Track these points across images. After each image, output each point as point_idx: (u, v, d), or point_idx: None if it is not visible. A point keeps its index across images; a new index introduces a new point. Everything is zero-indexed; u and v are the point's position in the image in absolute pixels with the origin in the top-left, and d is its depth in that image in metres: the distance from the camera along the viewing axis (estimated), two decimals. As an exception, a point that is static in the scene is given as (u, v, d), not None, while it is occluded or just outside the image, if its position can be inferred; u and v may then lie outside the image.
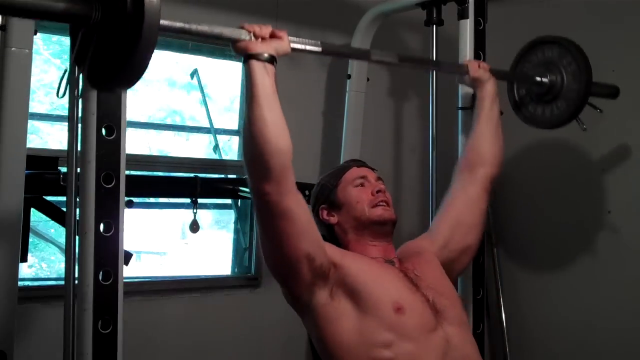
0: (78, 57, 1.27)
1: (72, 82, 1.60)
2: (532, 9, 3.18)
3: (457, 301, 1.71)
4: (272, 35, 1.47)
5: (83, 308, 1.52)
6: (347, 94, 2.85)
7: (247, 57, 1.44)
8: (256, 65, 1.43)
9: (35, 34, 1.88)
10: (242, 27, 1.46)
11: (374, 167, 1.86)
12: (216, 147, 2.94)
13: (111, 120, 1.56)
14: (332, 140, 2.97)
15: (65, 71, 1.40)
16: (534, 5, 3.16)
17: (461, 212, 1.85)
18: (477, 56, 2.29)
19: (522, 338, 3.12)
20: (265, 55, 1.43)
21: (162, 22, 1.23)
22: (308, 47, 1.61)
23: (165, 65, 2.92)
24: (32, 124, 2.43)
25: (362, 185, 1.76)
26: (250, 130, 1.43)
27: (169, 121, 2.97)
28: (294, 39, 1.55)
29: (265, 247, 1.57)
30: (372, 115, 2.97)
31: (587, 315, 2.92)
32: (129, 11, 1.15)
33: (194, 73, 2.90)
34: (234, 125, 3.04)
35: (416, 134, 3.30)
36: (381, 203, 1.72)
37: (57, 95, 1.40)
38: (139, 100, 2.80)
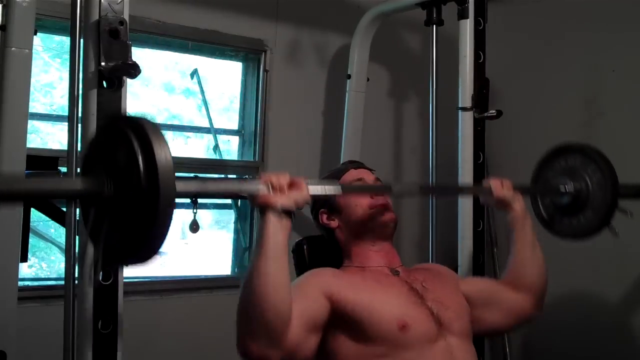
0: (93, 234, 1.18)
1: (72, 82, 1.61)
2: (532, 9, 3.18)
3: (464, 314, 1.67)
4: (291, 184, 1.41)
5: (83, 308, 1.52)
6: (347, 94, 2.85)
7: (263, 211, 1.38)
8: (272, 219, 1.37)
9: (35, 33, 1.88)
10: (260, 179, 1.40)
11: (372, 167, 1.85)
12: (216, 147, 2.94)
13: (111, 120, 1.56)
14: (332, 140, 2.97)
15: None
16: (534, 5, 3.17)
17: (506, 298, 1.76)
18: (477, 56, 2.29)
19: (522, 338, 3.12)
20: (283, 209, 1.38)
21: (178, 188, 1.14)
22: (327, 190, 1.54)
23: (164, 69, 2.92)
24: (32, 124, 2.43)
25: None
26: (251, 284, 1.37)
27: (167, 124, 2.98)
28: (313, 185, 1.46)
29: None
30: (372, 115, 2.97)
31: (587, 315, 2.92)
32: (144, 186, 1.07)
33: (194, 73, 2.90)
34: (234, 125, 3.04)
35: (416, 134, 3.30)
36: (380, 205, 1.72)
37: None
38: (138, 104, 2.80)
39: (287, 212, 1.38)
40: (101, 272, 1.52)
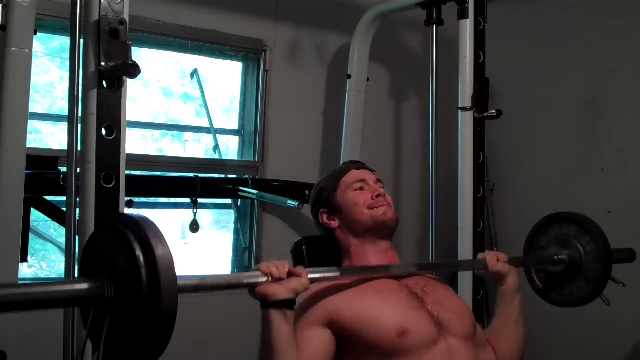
0: (92, 334, 1.16)
1: (72, 82, 1.61)
2: (532, 9, 3.18)
3: (466, 317, 1.67)
4: (290, 273, 1.39)
5: (83, 308, 1.52)
6: (347, 94, 2.85)
7: (264, 304, 1.37)
8: (274, 314, 1.36)
9: (35, 33, 1.88)
10: (258, 270, 1.38)
11: (373, 168, 1.85)
12: (216, 147, 2.94)
13: (111, 120, 1.56)
14: (332, 140, 2.97)
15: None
16: (533, 5, 3.17)
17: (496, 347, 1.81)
18: (477, 56, 2.29)
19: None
20: (286, 301, 1.37)
21: (179, 284, 1.13)
22: (327, 276, 1.53)
23: (164, 69, 2.92)
24: (32, 124, 2.43)
25: (361, 189, 1.74)
26: None
27: (165, 130, 2.98)
28: (313, 273, 1.45)
29: None
30: (372, 115, 2.97)
31: (587, 315, 2.91)
32: (145, 284, 1.05)
33: (194, 73, 2.90)
34: (234, 125, 3.04)
35: (416, 134, 3.30)
36: (381, 206, 1.71)
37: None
38: (137, 107, 2.80)
39: (289, 303, 1.37)
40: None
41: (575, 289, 2.04)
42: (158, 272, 1.06)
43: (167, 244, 1.09)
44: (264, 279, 1.36)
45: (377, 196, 1.71)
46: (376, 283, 1.63)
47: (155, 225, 1.10)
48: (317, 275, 1.47)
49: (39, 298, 1.11)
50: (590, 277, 2.00)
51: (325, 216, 1.76)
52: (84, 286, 1.11)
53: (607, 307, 2.69)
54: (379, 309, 1.55)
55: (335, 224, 1.74)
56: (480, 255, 1.85)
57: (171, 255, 1.09)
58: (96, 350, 1.14)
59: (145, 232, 1.08)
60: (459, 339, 1.59)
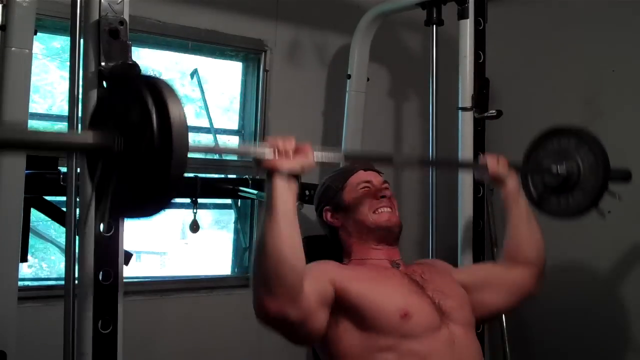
0: (99, 190, 1.17)
1: (72, 82, 1.61)
2: (531, 9, 3.18)
3: (465, 304, 1.69)
4: (297, 150, 1.45)
5: (83, 308, 1.52)
6: (347, 94, 2.85)
7: (270, 174, 1.41)
8: (279, 182, 1.40)
9: (36, 34, 1.88)
10: (266, 143, 1.43)
11: (375, 169, 1.85)
12: (216, 147, 2.94)
13: (111, 120, 1.56)
14: (332, 140, 2.97)
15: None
16: (533, 5, 3.17)
17: (504, 276, 1.80)
18: (477, 56, 2.29)
19: (522, 338, 3.12)
20: (290, 172, 1.41)
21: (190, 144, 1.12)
22: (332, 160, 1.58)
23: (163, 72, 2.92)
24: (32, 124, 2.43)
25: (367, 189, 1.75)
26: (265, 245, 1.39)
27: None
28: (318, 152, 1.50)
29: (285, 337, 1.54)
30: (372, 115, 2.97)
31: (587, 314, 2.92)
32: (156, 139, 1.04)
33: (194, 73, 2.89)
34: (234, 125, 3.04)
35: (416, 134, 3.30)
36: (385, 208, 1.72)
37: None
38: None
39: (293, 176, 1.41)
40: (101, 272, 1.52)
41: (571, 200, 2.07)
42: (171, 125, 1.04)
43: (180, 102, 1.08)
44: (271, 153, 1.41)
45: (382, 197, 1.72)
46: (376, 267, 1.66)
47: (169, 85, 1.09)
48: (322, 156, 1.52)
49: (54, 142, 1.14)
50: (587, 189, 2.03)
51: (329, 214, 1.77)
52: (95, 138, 1.12)
53: (607, 306, 2.70)
54: (381, 290, 1.59)
55: (338, 222, 1.76)
56: (481, 159, 1.89)
57: (184, 112, 1.07)
58: (101, 200, 1.15)
59: (159, 88, 1.07)
60: (460, 326, 1.61)
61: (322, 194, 1.81)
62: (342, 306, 1.55)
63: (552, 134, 2.10)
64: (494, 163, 1.84)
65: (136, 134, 1.08)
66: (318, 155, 1.48)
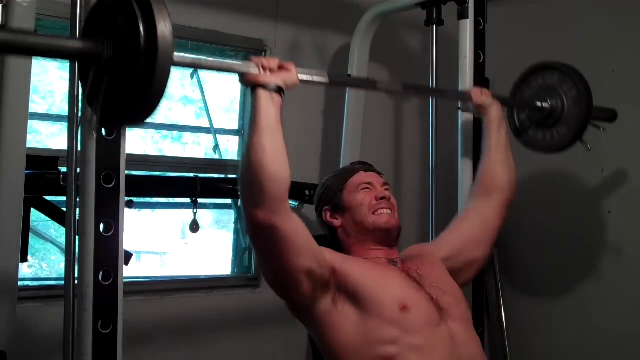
0: (90, 96, 1.25)
1: (72, 82, 1.61)
2: (532, 9, 3.18)
3: (461, 300, 1.71)
4: (280, 67, 1.48)
5: (83, 308, 1.52)
6: (347, 94, 2.85)
7: (254, 87, 1.45)
8: (263, 94, 1.44)
9: (35, 34, 1.88)
10: (251, 61, 1.48)
11: (379, 170, 1.85)
12: (216, 147, 2.94)
13: (111, 120, 1.56)
14: (332, 140, 2.97)
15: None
16: (533, 5, 3.17)
17: (473, 228, 1.86)
18: (477, 56, 2.29)
19: (522, 338, 3.12)
20: (273, 85, 1.45)
21: (174, 57, 1.25)
22: (315, 79, 1.61)
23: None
24: (31, 124, 2.43)
25: (367, 190, 1.75)
26: (249, 157, 1.43)
27: (165, 133, 2.97)
28: (302, 70, 1.55)
29: (264, 268, 1.58)
30: (372, 115, 2.97)
31: (587, 314, 2.92)
32: (142, 48, 1.14)
33: (194, 73, 2.90)
34: (234, 125, 3.04)
35: (416, 134, 3.30)
36: (384, 210, 1.72)
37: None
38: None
39: (277, 91, 1.45)
40: (101, 272, 1.52)
41: (556, 134, 2.16)
42: (156, 30, 1.16)
43: (167, 12, 1.21)
44: (255, 69, 1.46)
45: (381, 198, 1.72)
46: (375, 263, 1.67)
47: None
48: (306, 77, 1.57)
49: (47, 46, 1.21)
50: (570, 122, 2.12)
51: (328, 214, 1.77)
52: (84, 44, 1.20)
53: (608, 307, 2.70)
54: (380, 282, 1.61)
55: (337, 222, 1.76)
56: (465, 90, 1.99)
57: (169, 21, 1.20)
58: (93, 107, 1.24)
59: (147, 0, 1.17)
60: (459, 322, 1.62)
61: (322, 194, 1.81)
62: (342, 288, 1.57)
63: (538, 69, 2.19)
64: (477, 92, 1.94)
65: (124, 41, 1.17)
66: (302, 72, 1.54)
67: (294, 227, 1.49)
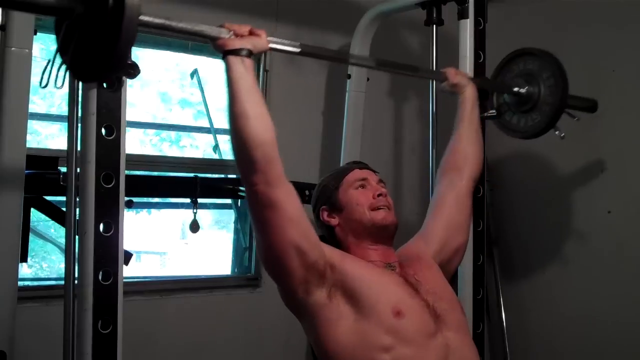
0: (62, 48, 1.34)
1: (71, 83, 1.61)
2: (531, 9, 3.18)
3: (457, 306, 1.70)
4: (251, 33, 1.51)
5: (83, 308, 1.52)
6: (347, 94, 2.85)
7: (225, 53, 1.49)
8: (234, 60, 1.47)
9: (35, 34, 1.88)
10: (222, 26, 1.51)
11: (373, 168, 1.85)
12: (216, 147, 2.94)
13: (111, 120, 1.57)
14: (332, 140, 2.97)
15: (49, 62, 1.41)
16: (534, 5, 3.17)
17: (451, 212, 1.87)
18: (477, 56, 2.29)
19: (522, 338, 3.12)
20: (243, 50, 1.48)
21: (142, 17, 1.31)
22: (286, 47, 1.64)
23: (163, 73, 2.92)
24: (31, 125, 2.43)
25: (362, 187, 1.75)
26: (233, 124, 1.45)
27: (164, 136, 2.98)
28: (273, 38, 1.57)
29: (257, 239, 1.59)
30: (372, 115, 2.97)
31: (587, 314, 2.92)
32: (110, 6, 1.22)
33: (194, 73, 2.90)
34: (234, 125, 3.03)
35: (416, 134, 3.30)
36: (382, 207, 1.72)
37: (40, 85, 1.41)
38: (136, 112, 2.80)
39: (248, 55, 1.48)
40: (101, 272, 1.52)
41: (530, 121, 2.21)
42: None
43: None
44: (226, 34, 1.50)
45: (379, 195, 1.72)
46: (372, 266, 1.67)
47: None
48: (276, 45, 1.60)
49: (20, 0, 1.30)
50: (544, 110, 2.16)
51: (325, 213, 1.77)
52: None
53: (609, 307, 2.70)
54: (377, 286, 1.60)
55: (335, 221, 1.75)
56: (442, 70, 2.02)
57: None
58: (65, 57, 1.33)
59: None
60: (454, 331, 1.61)
61: (319, 194, 1.81)
62: (338, 285, 1.56)
63: (519, 55, 2.24)
64: (453, 72, 1.99)
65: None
66: (272, 41, 1.56)
67: (287, 192, 1.50)
